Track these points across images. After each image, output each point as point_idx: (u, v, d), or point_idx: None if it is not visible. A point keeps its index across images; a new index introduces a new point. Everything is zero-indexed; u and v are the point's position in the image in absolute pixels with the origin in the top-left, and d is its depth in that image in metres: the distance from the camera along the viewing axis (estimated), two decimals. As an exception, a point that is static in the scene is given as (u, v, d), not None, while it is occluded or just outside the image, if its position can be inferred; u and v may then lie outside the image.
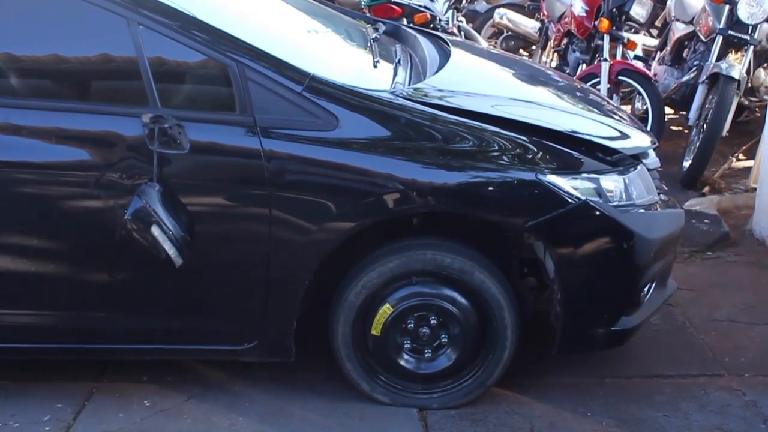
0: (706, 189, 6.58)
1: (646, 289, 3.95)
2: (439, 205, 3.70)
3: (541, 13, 9.57)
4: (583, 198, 3.66)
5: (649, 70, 7.62)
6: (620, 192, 3.77)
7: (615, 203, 3.74)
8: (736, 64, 6.63)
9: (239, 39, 3.63)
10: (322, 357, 3.93)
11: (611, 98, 6.79)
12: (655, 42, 8.57)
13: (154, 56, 3.55)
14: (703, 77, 6.77)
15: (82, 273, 3.71)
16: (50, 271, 3.69)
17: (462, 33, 8.53)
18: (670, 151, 7.08)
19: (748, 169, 6.75)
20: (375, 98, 3.69)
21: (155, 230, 3.41)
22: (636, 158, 3.96)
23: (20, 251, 3.68)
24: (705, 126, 6.57)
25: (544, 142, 3.72)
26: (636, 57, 7.59)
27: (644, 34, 8.70)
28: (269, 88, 3.57)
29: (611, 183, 3.76)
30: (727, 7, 6.77)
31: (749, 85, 7.00)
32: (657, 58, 8.15)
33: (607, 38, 7.19)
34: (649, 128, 6.40)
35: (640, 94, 7.13)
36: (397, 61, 4.31)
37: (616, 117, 4.34)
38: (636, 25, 8.20)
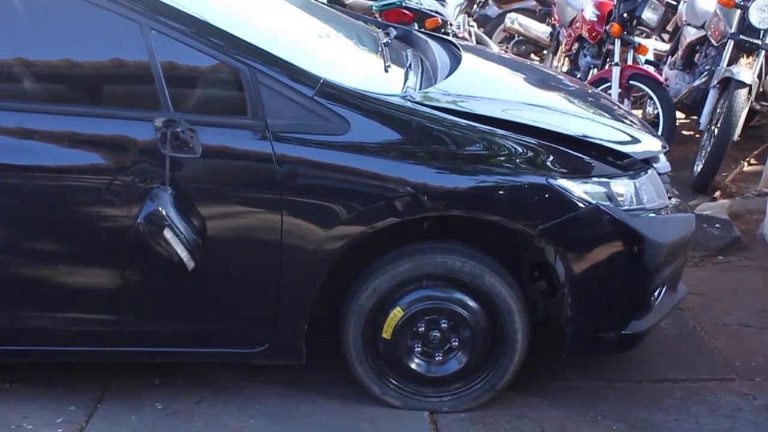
0: (717, 193, 6.57)
1: (656, 293, 3.95)
2: (449, 208, 3.71)
3: (553, 18, 9.57)
4: (594, 202, 3.66)
5: (661, 74, 7.61)
6: (631, 196, 3.78)
7: (625, 207, 3.74)
8: (748, 69, 6.62)
9: (251, 44, 3.64)
10: (332, 360, 3.94)
11: (622, 103, 6.79)
12: (666, 46, 8.57)
13: (167, 61, 3.57)
14: (715, 82, 6.77)
15: (94, 276, 3.73)
16: (63, 274, 3.71)
17: (473, 38, 8.54)
18: (681, 155, 7.07)
19: (760, 174, 6.73)
20: (386, 102, 3.71)
21: (167, 234, 3.43)
22: (647, 162, 3.95)
23: (33, 254, 3.71)
24: (716, 130, 6.57)
25: (555, 146, 3.73)
26: (647, 61, 7.58)
27: (655, 39, 8.70)
28: (281, 93, 3.59)
29: (622, 187, 3.76)
30: (739, 11, 6.77)
31: (761, 89, 6.97)
32: (668, 63, 8.15)
33: (618, 43, 7.19)
34: (660, 133, 6.39)
35: (651, 98, 7.12)
36: (408, 65, 4.32)
37: (627, 121, 4.35)
38: (647, 30, 8.20)
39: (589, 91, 5.14)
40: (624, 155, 3.85)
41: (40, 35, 3.65)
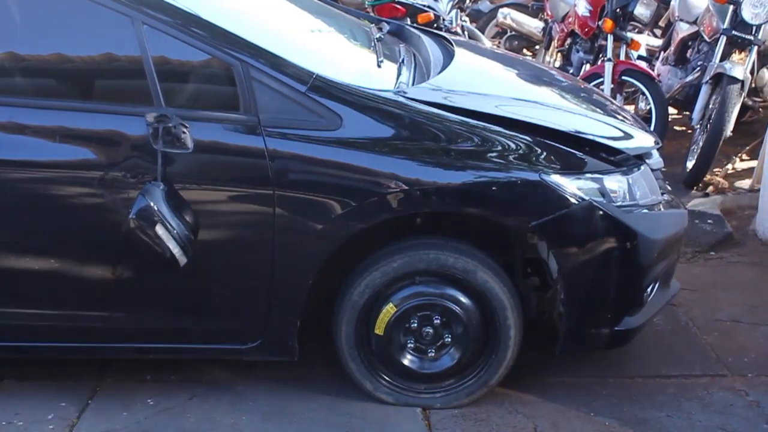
0: (710, 189, 6.58)
1: (649, 290, 3.95)
2: (442, 204, 3.70)
3: (545, 13, 9.57)
4: (587, 198, 3.66)
5: (653, 70, 7.62)
6: (624, 192, 3.78)
7: (618, 203, 3.74)
8: (740, 65, 6.63)
9: (243, 38, 3.63)
10: (325, 356, 3.94)
11: (615, 98, 6.79)
12: (658, 42, 8.57)
13: (159, 55, 3.55)
14: (707, 77, 6.77)
15: (86, 272, 3.71)
16: (54, 270, 3.70)
17: (465, 33, 8.53)
18: (674, 151, 7.08)
19: (752, 170, 6.75)
20: (379, 98, 3.70)
21: (159, 229, 3.41)
22: (639, 158, 3.96)
23: (24, 250, 3.68)
24: (708, 126, 6.57)
25: (548, 142, 3.72)
26: (640, 57, 7.59)
27: (648, 34, 8.71)
28: (273, 88, 3.58)
29: (615, 183, 3.76)
30: (731, 7, 6.77)
31: (753, 85, 7.00)
32: (660, 58, 8.15)
33: (610, 38, 7.19)
34: (652, 128, 6.39)
35: (643, 94, 7.13)
36: (400, 60, 4.31)
37: (620, 117, 4.34)
38: (640, 25, 8.20)
39: (582, 86, 5.14)
40: (617, 151, 3.85)
41: (31, 30, 3.64)
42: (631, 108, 7.37)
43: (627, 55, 7.40)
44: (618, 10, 7.32)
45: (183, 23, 3.58)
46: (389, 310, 3.76)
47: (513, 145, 3.70)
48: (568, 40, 8.58)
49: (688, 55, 7.72)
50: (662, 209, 3.97)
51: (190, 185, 3.56)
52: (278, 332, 3.77)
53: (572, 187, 3.65)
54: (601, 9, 7.61)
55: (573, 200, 3.65)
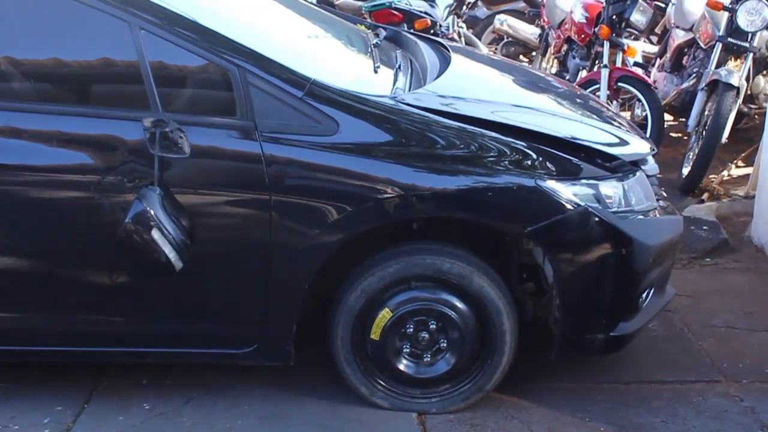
0: (705, 195, 6.59)
1: (644, 295, 3.96)
2: (438, 210, 3.71)
3: (542, 20, 9.60)
4: (582, 204, 3.67)
5: (649, 76, 7.64)
6: (619, 198, 3.78)
7: (614, 209, 3.75)
8: (736, 72, 6.64)
9: (240, 44, 3.64)
10: (321, 361, 3.94)
11: (611, 104, 6.80)
12: (654, 49, 8.59)
13: (156, 60, 3.56)
14: (703, 84, 6.79)
15: (82, 276, 3.72)
16: (51, 274, 3.69)
17: (462, 39, 8.55)
18: (670, 157, 7.10)
19: (747, 176, 6.76)
20: (375, 103, 3.70)
21: (155, 234, 3.42)
22: (635, 165, 3.96)
23: (21, 254, 3.69)
24: (704, 133, 6.59)
25: (544, 148, 3.73)
26: (636, 64, 7.61)
27: (644, 41, 8.73)
28: (270, 93, 3.59)
29: (610, 189, 3.77)
30: (727, 14, 6.79)
31: (748, 92, 7.00)
32: (657, 65, 8.17)
33: (606, 45, 7.21)
34: (648, 135, 6.41)
35: (639, 100, 7.15)
36: (397, 66, 4.32)
37: (616, 123, 4.35)
38: (636, 32, 8.23)
39: (578, 92, 5.15)
40: (612, 157, 3.86)
41: (29, 34, 3.64)
42: (627, 114, 7.40)
43: (623, 62, 7.42)
44: (614, 16, 7.33)
45: (180, 29, 3.59)
46: (385, 314, 3.77)
47: (509, 151, 3.71)
48: (565, 47, 8.60)
49: (684, 61, 7.75)
50: (657, 215, 3.98)
51: (186, 190, 3.56)
52: (274, 337, 3.78)
53: (568, 192, 3.66)
54: (598, 16, 7.63)
55: (568, 206, 3.66)
